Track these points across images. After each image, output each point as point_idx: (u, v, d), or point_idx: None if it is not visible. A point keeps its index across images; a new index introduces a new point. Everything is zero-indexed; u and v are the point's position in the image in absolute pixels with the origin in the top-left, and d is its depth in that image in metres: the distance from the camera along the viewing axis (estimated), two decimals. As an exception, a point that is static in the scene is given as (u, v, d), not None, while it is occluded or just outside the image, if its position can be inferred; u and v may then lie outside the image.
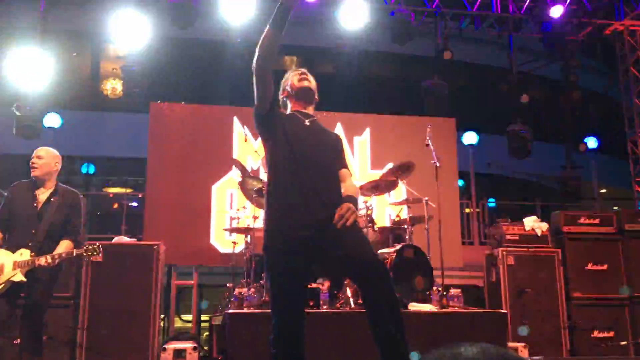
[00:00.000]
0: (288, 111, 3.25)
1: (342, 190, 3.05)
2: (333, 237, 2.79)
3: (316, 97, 3.28)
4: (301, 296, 2.93)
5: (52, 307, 5.15)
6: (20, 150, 10.94)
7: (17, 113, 7.77)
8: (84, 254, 4.03)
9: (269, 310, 2.93)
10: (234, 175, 7.39)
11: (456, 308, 5.29)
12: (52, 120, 9.66)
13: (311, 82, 3.25)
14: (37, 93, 8.09)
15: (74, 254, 4.02)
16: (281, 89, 3.28)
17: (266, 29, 2.90)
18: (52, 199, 4.20)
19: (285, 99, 3.28)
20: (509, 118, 9.02)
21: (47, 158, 4.29)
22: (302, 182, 2.91)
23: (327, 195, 2.94)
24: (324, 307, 4.88)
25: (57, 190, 4.26)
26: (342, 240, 2.80)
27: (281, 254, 2.86)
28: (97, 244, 4.07)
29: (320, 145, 3.08)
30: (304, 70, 3.31)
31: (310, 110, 3.25)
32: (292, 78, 3.25)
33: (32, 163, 4.27)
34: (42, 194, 4.23)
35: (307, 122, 3.14)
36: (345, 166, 3.22)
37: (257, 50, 2.93)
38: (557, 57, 9.55)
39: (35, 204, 4.17)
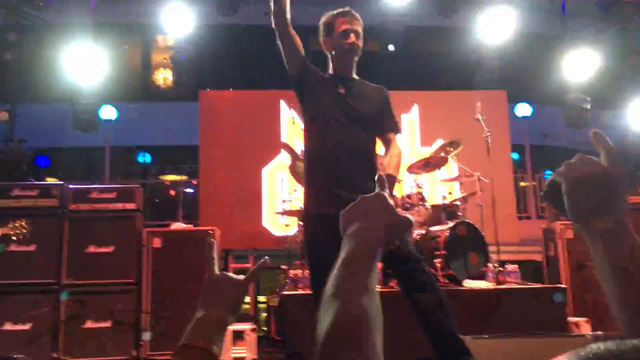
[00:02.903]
0: (329, 69, 3.05)
1: (382, 165, 2.92)
2: None
3: (359, 46, 2.94)
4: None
5: (116, 292, 5.39)
6: (77, 143, 11.38)
7: (75, 107, 8.05)
8: (11, 232, 3.88)
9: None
10: (284, 158, 7.46)
11: (513, 284, 5.20)
12: (108, 112, 9.96)
13: (356, 35, 2.91)
14: (92, 87, 8.36)
15: None
16: (322, 34, 3.02)
17: None
18: None
19: (326, 52, 3.05)
20: (565, 87, 8.71)
21: None
22: (331, 163, 2.83)
23: (357, 176, 2.81)
24: (379, 286, 4.89)
25: None
26: None
27: (315, 226, 2.82)
28: (23, 222, 3.94)
29: (355, 119, 2.89)
30: (348, 15, 2.96)
31: (352, 66, 3.01)
32: (336, 37, 2.95)
33: None
34: None
35: (341, 90, 2.93)
36: (390, 127, 3.04)
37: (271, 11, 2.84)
38: (615, 21, 9.13)
39: None
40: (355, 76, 3.07)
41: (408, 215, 0.90)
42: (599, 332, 5.42)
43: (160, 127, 13.17)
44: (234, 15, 8.07)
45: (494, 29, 8.13)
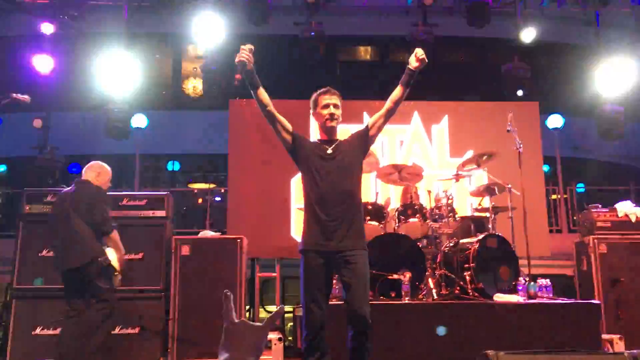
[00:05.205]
0: (318, 134, 3.73)
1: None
2: (344, 266, 3.38)
3: (338, 115, 3.63)
4: (323, 295, 3.42)
5: (144, 299, 5.44)
6: (108, 151, 11.56)
7: (107, 115, 8.19)
8: None
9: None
10: (312, 168, 7.43)
11: (545, 299, 5.10)
12: (139, 120, 10.09)
13: (335, 106, 3.59)
14: (124, 95, 8.49)
15: None
16: (311, 109, 3.73)
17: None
18: None
19: (316, 122, 3.74)
20: (597, 98, 8.56)
21: None
22: (320, 215, 3.45)
23: (342, 227, 3.42)
24: (406, 298, 4.84)
25: None
26: (349, 280, 3.34)
27: (310, 257, 3.45)
28: None
29: (341, 172, 3.51)
30: (328, 92, 3.65)
31: (335, 130, 3.65)
32: (320, 110, 3.63)
33: None
34: None
35: (329, 151, 3.56)
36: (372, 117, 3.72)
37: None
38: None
39: None
40: (338, 137, 3.69)
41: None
42: (636, 351, 5.28)
43: (189, 135, 13.31)
44: (265, 25, 8.12)
45: (525, 39, 8.03)
